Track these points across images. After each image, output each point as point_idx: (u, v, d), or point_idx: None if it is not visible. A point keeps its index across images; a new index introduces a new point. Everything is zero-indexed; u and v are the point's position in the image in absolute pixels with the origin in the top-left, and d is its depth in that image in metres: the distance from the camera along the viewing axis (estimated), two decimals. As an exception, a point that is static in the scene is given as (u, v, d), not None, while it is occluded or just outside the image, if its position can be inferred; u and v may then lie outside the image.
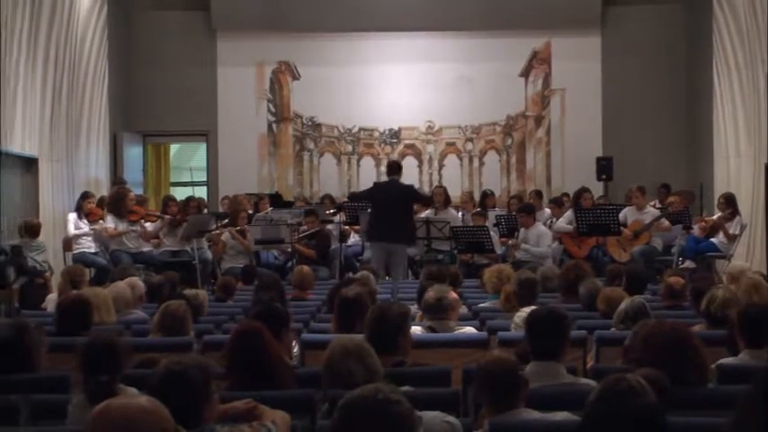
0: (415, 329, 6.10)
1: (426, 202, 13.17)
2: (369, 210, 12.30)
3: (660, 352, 4.23)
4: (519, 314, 6.45)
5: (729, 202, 12.77)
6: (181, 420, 3.22)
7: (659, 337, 4.31)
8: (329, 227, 13.44)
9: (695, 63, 16.84)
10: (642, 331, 4.52)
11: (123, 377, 4.53)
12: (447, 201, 13.52)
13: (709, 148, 15.47)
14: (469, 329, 6.36)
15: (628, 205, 13.11)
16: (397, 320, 5.13)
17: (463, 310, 7.90)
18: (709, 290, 6.33)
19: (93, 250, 12.44)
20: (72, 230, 12.49)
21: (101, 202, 13.07)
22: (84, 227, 12.51)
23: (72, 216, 12.64)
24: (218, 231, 13.08)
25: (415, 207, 13.62)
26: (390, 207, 11.73)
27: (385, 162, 17.36)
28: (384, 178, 13.09)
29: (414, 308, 6.89)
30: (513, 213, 13.09)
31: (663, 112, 17.24)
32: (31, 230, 11.84)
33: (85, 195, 12.94)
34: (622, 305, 6.19)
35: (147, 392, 3.48)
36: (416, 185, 15.45)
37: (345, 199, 14.92)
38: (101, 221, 12.58)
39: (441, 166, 17.92)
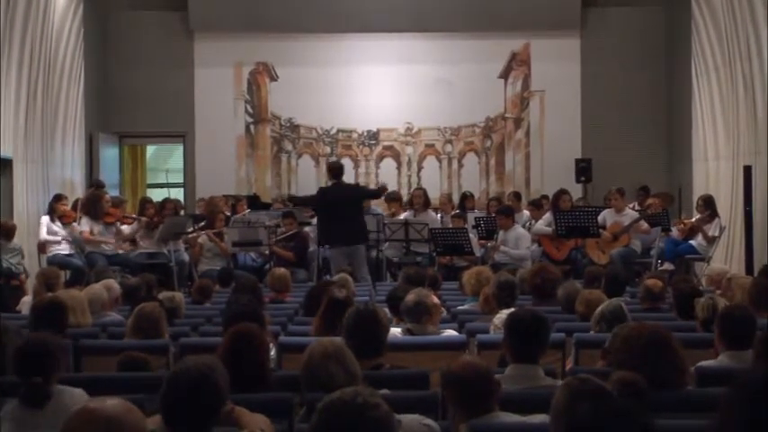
0: (394, 332, 6.10)
1: (375, 195, 13.22)
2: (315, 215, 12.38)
3: (640, 354, 4.24)
4: (498, 316, 6.45)
5: (708, 203, 12.82)
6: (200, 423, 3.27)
7: (639, 339, 4.32)
8: (307, 229, 13.42)
9: (675, 65, 16.92)
10: (622, 333, 4.54)
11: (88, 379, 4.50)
12: (426, 203, 13.52)
13: (689, 149, 15.55)
14: (450, 332, 6.36)
15: (607, 207, 13.14)
16: (378, 323, 5.12)
17: (443, 312, 7.91)
18: (695, 296, 6.42)
19: (67, 252, 12.36)
20: (44, 235, 12.37)
21: (76, 204, 12.98)
22: (58, 230, 12.42)
23: (45, 219, 12.52)
24: (195, 233, 13.04)
25: (393, 209, 13.68)
26: (344, 209, 11.83)
27: (364, 164, 17.40)
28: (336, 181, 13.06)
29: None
30: (492, 215, 13.11)
31: (642, 113, 17.30)
32: (6, 233, 11.76)
33: (58, 198, 12.82)
34: (600, 308, 6.21)
35: (165, 395, 3.47)
36: (366, 185, 15.62)
37: (288, 200, 14.87)
38: (74, 223, 12.50)
39: (420, 168, 17.92)
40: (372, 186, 14.68)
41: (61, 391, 4.31)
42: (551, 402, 3.16)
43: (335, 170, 12.36)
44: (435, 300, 6.42)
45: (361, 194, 12.63)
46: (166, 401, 3.51)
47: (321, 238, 12.23)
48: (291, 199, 14.48)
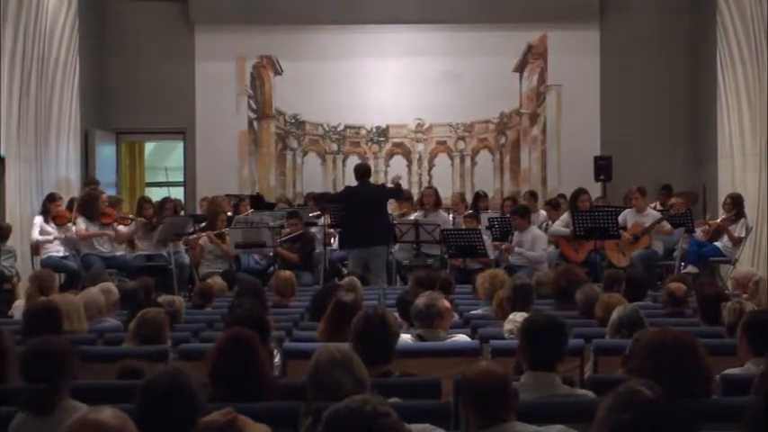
0: (404, 337, 6.10)
1: (398, 193, 13.27)
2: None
3: (663, 361, 4.22)
4: (510, 319, 6.44)
5: (736, 202, 12.75)
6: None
7: (662, 345, 4.30)
8: (313, 230, 13.43)
9: (698, 58, 16.87)
10: (643, 339, 4.51)
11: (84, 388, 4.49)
12: (437, 202, 13.51)
13: (713, 146, 15.49)
14: (461, 338, 6.35)
15: (627, 207, 13.13)
16: (387, 328, 5.12)
17: (455, 317, 7.91)
18: (720, 300, 6.40)
19: (62, 254, 12.37)
20: (36, 235, 12.38)
21: (71, 204, 13.00)
22: (52, 231, 12.43)
23: (38, 219, 12.53)
24: (195, 235, 13.05)
25: (404, 209, 13.69)
26: (367, 210, 12.08)
27: (373, 162, 17.40)
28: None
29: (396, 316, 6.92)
30: (507, 216, 13.10)
31: (664, 109, 17.26)
32: (1, 234, 11.79)
33: (52, 198, 12.82)
34: (615, 314, 6.19)
35: (140, 403, 3.52)
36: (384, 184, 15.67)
37: (315, 197, 14.88)
38: (69, 225, 12.51)
39: (431, 166, 17.92)
40: (390, 185, 14.70)
41: (75, 407, 4.26)
42: (599, 408, 3.12)
43: (362, 171, 12.68)
44: (446, 303, 6.42)
45: (385, 194, 12.88)
46: (141, 409, 3.56)
47: (341, 240, 12.43)
48: (316, 197, 14.44)
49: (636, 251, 12.35)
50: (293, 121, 17.89)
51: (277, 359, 6.00)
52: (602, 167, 16.74)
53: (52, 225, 12.48)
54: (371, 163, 17.57)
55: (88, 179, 15.57)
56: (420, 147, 17.90)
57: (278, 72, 17.84)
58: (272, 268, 12.53)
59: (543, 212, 14.11)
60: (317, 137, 17.92)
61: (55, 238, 12.34)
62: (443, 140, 17.91)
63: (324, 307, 6.65)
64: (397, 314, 7.09)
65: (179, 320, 7.63)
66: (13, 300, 10.48)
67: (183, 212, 14.66)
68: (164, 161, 20.41)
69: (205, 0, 17.39)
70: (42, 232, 12.39)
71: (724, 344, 5.89)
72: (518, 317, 6.17)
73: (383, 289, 10.92)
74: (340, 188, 16.99)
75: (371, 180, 13.22)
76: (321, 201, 13.80)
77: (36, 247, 12.49)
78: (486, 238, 12.63)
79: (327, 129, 17.86)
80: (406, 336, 6.22)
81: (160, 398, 3.56)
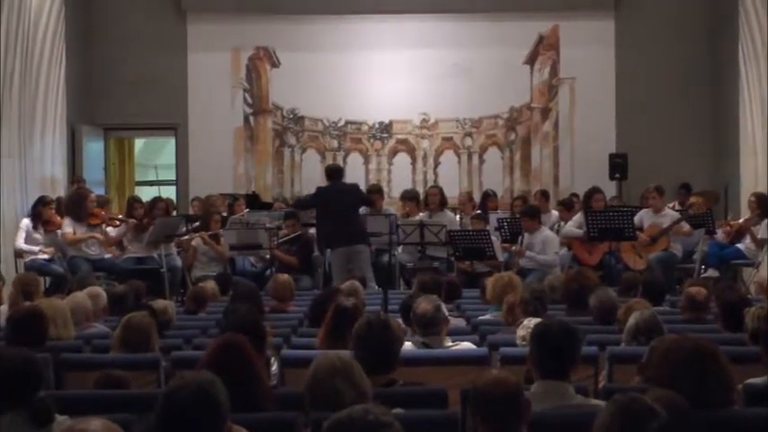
0: (408, 345, 6.10)
1: (367, 202, 13.29)
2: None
3: (681, 370, 4.21)
4: (523, 325, 6.44)
5: (761, 202, 12.70)
6: None
7: (681, 353, 4.29)
8: (312, 231, 13.43)
9: (720, 49, 16.85)
10: (661, 347, 4.51)
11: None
12: (443, 202, 13.52)
13: (735, 143, 15.49)
14: (467, 345, 6.35)
15: (644, 207, 13.13)
16: (390, 335, 5.12)
17: (461, 323, 7.92)
18: (743, 305, 6.40)
19: (47, 257, 12.36)
20: (20, 243, 12.34)
21: (58, 205, 12.99)
22: (39, 237, 12.42)
23: (25, 223, 12.51)
24: (188, 236, 13.06)
25: (408, 209, 13.70)
26: (343, 209, 12.22)
27: (375, 159, 17.40)
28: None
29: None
30: (517, 216, 13.09)
31: (683, 103, 17.25)
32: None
33: (45, 201, 12.80)
34: (632, 319, 6.19)
35: (160, 414, 3.48)
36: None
37: (290, 205, 14.95)
38: (59, 231, 12.51)
39: (436, 164, 17.92)
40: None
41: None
42: (595, 421, 3.14)
43: (334, 172, 12.85)
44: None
45: (358, 195, 12.96)
46: (164, 420, 3.51)
47: (320, 242, 12.49)
48: (297, 203, 14.46)
49: (653, 254, 12.34)
50: (291, 116, 17.89)
51: (274, 367, 6.00)
52: (618, 165, 16.73)
53: (41, 231, 12.45)
54: (374, 160, 17.60)
55: (75, 177, 15.58)
56: (425, 143, 17.90)
57: (275, 64, 17.84)
58: (268, 271, 12.54)
59: (555, 213, 14.11)
60: (317, 133, 17.92)
61: (40, 251, 12.30)
62: (450, 137, 17.91)
63: (323, 312, 6.65)
64: (400, 320, 7.11)
65: (171, 327, 7.62)
66: (-4, 305, 10.47)
67: (174, 213, 14.68)
68: (154, 158, 20.46)
69: (198, -12, 17.44)
70: (28, 238, 12.36)
71: (746, 351, 5.89)
72: (532, 323, 6.16)
73: (385, 293, 10.90)
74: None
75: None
76: (298, 207, 13.80)
77: (19, 253, 12.47)
78: (495, 239, 12.63)
79: (327, 124, 17.87)
80: (408, 343, 6.23)
81: (187, 410, 3.49)
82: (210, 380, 3.64)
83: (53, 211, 12.73)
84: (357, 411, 2.73)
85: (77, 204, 12.64)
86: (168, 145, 18.99)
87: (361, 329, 5.16)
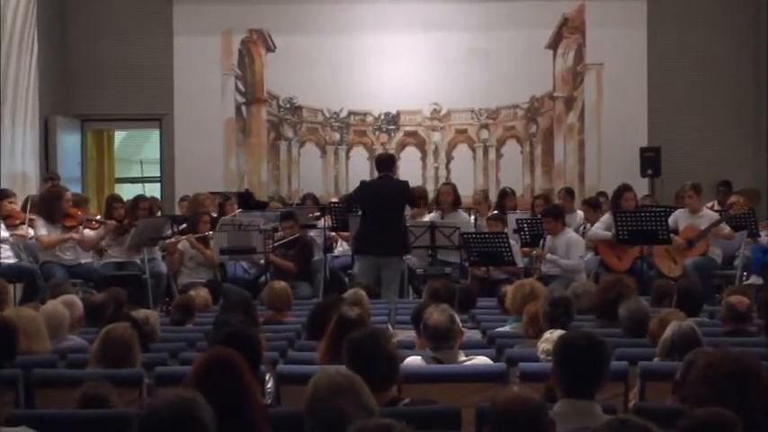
0: (415, 360, 6.08)
1: (413, 203, 13.13)
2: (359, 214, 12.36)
3: (721, 388, 4.20)
4: (545, 338, 6.43)
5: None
6: None
7: (720, 369, 4.28)
8: (311, 233, 13.43)
9: (764, 31, 16.84)
10: (700, 362, 4.50)
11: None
12: (456, 201, 13.50)
13: (780, 137, 15.51)
14: (482, 359, 6.35)
15: (679, 207, 13.12)
16: (380, 347, 5.11)
17: (476, 335, 7.91)
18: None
19: (14, 261, 12.33)
20: None
21: (25, 203, 12.96)
22: (3, 233, 12.42)
23: None
24: (174, 239, 13.06)
25: (417, 209, 13.66)
26: (381, 211, 11.90)
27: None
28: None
29: (411, 333, 6.92)
30: (538, 217, 13.09)
31: (723, 93, 17.25)
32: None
33: (4, 194, 12.82)
34: (667, 331, 6.18)
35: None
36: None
37: (335, 201, 14.83)
38: (23, 227, 12.48)
39: (449, 159, 17.94)
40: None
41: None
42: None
43: (380, 162, 12.51)
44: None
45: (403, 195, 12.40)
46: None
47: (353, 245, 12.36)
48: (345, 199, 14.20)
49: (690, 259, 12.33)
50: (288, 105, 17.92)
51: (269, 385, 6.00)
52: (650, 160, 16.74)
53: (2, 227, 12.44)
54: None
55: (48, 174, 15.57)
56: (436, 136, 17.92)
57: (270, 48, 17.87)
58: (263, 278, 12.54)
59: (580, 213, 14.10)
60: (316, 125, 17.94)
61: (4, 243, 12.28)
62: (464, 129, 17.94)
63: (324, 324, 6.65)
64: (413, 331, 7.10)
65: (154, 339, 7.62)
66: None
67: (159, 213, 14.69)
68: (137, 153, 20.48)
69: (185, -35, 17.46)
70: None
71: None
72: (555, 334, 6.16)
73: (394, 303, 10.91)
74: (341, 184, 17.06)
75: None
76: (345, 204, 13.54)
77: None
78: (514, 242, 12.63)
79: (328, 115, 17.89)
80: (417, 358, 6.23)
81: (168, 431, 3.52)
82: (191, 398, 3.65)
83: (14, 205, 12.69)
84: (377, 424, 2.73)
85: (51, 204, 12.60)
86: (152, 138, 19.03)
87: (351, 346, 5.15)
